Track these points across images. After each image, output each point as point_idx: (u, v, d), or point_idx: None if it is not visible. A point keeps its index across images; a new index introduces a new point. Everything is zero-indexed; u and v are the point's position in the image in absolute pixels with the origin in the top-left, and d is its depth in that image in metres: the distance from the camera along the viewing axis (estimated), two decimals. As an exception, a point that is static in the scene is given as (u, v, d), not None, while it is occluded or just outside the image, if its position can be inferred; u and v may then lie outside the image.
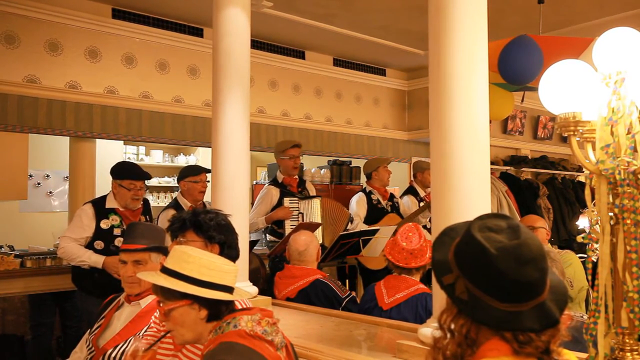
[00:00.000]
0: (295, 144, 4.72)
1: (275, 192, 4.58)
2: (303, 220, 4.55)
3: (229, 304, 1.74)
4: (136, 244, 2.44)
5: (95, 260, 3.57)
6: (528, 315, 1.14)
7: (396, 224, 4.89)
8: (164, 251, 2.44)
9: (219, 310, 1.70)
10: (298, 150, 4.70)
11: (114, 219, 3.71)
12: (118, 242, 3.60)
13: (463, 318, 1.18)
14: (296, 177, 4.79)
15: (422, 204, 5.50)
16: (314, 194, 4.86)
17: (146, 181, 3.89)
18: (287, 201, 4.55)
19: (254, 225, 4.52)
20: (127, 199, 3.73)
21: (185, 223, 2.17)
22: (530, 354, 1.14)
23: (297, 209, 4.56)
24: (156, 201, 7.19)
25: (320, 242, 4.21)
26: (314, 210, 4.64)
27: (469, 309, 1.16)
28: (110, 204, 3.75)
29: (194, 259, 1.68)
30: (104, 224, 3.68)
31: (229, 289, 1.71)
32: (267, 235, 4.72)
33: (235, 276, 1.74)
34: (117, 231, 3.69)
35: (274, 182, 4.69)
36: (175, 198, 4.37)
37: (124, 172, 3.76)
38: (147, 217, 3.96)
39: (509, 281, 1.12)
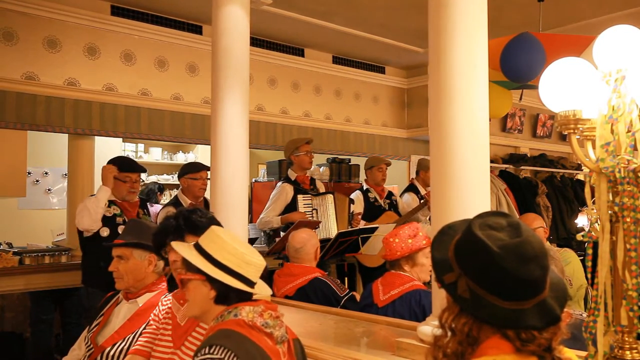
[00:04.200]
0: (308, 140, 4.79)
1: (289, 190, 4.61)
2: (317, 216, 4.57)
3: (241, 294, 1.73)
4: (121, 240, 2.47)
5: (102, 195, 3.69)
6: (530, 313, 1.13)
7: (394, 222, 4.91)
8: (149, 248, 2.42)
9: (227, 296, 1.72)
10: (310, 146, 4.77)
11: (115, 209, 3.81)
12: (122, 229, 3.66)
13: (465, 317, 1.18)
14: (308, 174, 4.82)
15: (422, 201, 5.51)
16: (324, 191, 4.88)
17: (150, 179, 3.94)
18: (300, 198, 4.58)
19: (269, 223, 4.56)
20: (124, 191, 3.83)
21: (180, 229, 2.13)
22: (533, 352, 1.14)
23: (310, 205, 4.59)
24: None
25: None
26: (327, 206, 4.67)
27: (471, 308, 1.16)
28: (110, 197, 3.82)
29: (221, 241, 1.74)
30: (107, 212, 3.76)
31: (245, 280, 1.72)
32: (281, 233, 4.74)
33: (257, 270, 1.76)
34: (119, 219, 3.79)
35: (287, 179, 4.72)
36: (176, 196, 4.39)
37: (119, 165, 3.86)
38: (145, 210, 4.02)
39: (512, 279, 1.12)
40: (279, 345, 1.68)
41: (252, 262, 1.74)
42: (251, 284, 1.74)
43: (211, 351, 1.57)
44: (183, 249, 1.77)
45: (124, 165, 3.87)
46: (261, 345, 1.62)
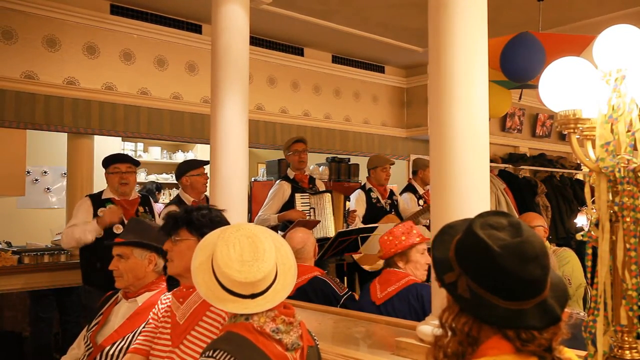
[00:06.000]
0: (299, 139, 4.75)
1: (287, 188, 4.61)
2: (315, 215, 4.56)
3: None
4: (121, 238, 2.47)
5: (91, 228, 3.66)
6: (530, 313, 1.13)
7: (395, 224, 4.90)
8: (150, 247, 2.42)
9: None
10: (302, 146, 4.74)
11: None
12: (117, 228, 3.68)
13: (465, 316, 1.18)
14: (307, 173, 4.80)
15: (421, 201, 5.49)
16: (321, 190, 4.87)
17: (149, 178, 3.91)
18: (298, 197, 4.57)
19: (265, 221, 4.54)
20: (116, 184, 3.82)
21: (177, 222, 2.15)
22: (533, 352, 1.14)
23: (308, 204, 4.59)
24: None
25: (332, 235, 4.24)
26: (325, 205, 4.66)
27: (472, 308, 1.16)
28: (107, 194, 3.86)
29: (219, 254, 1.67)
30: (101, 212, 3.75)
31: (234, 294, 1.65)
32: (279, 232, 4.74)
33: (248, 286, 1.63)
34: None
35: (285, 177, 4.71)
36: (178, 195, 4.37)
37: (108, 160, 3.89)
38: (146, 208, 3.97)
39: (513, 279, 1.12)
40: (289, 352, 1.65)
41: (240, 281, 1.64)
42: (242, 296, 1.65)
43: (214, 355, 1.56)
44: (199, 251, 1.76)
45: (109, 159, 3.89)
46: (266, 352, 1.60)
